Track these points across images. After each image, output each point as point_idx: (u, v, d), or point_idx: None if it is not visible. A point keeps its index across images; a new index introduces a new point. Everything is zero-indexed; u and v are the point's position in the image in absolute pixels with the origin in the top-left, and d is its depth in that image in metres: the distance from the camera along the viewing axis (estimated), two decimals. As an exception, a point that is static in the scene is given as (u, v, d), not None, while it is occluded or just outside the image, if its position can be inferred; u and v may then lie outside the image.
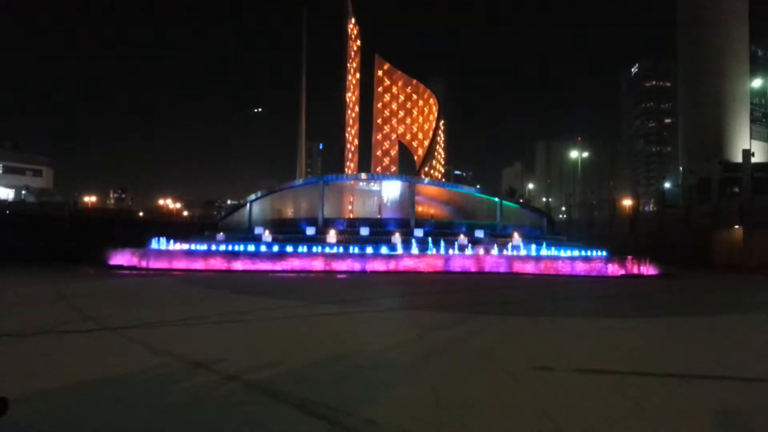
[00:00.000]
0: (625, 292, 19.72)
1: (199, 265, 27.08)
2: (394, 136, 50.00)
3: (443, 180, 54.45)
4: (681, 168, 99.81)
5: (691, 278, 28.41)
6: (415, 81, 51.17)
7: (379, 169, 47.89)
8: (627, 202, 70.86)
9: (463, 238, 31.56)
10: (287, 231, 34.30)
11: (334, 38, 45.91)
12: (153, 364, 6.81)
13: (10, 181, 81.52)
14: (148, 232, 33.24)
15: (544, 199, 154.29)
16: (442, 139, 55.04)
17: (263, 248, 29.40)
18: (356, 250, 29.09)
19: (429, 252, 29.46)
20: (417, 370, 6.79)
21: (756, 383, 6.57)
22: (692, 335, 10.32)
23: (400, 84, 50.39)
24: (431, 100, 51.12)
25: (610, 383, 6.33)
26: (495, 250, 29.90)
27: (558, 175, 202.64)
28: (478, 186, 66.98)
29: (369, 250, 29.11)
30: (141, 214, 69.91)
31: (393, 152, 49.93)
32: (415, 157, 50.65)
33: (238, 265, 27.15)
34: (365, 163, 49.26)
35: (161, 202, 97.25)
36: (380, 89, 49.43)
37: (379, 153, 49.20)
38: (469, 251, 30.17)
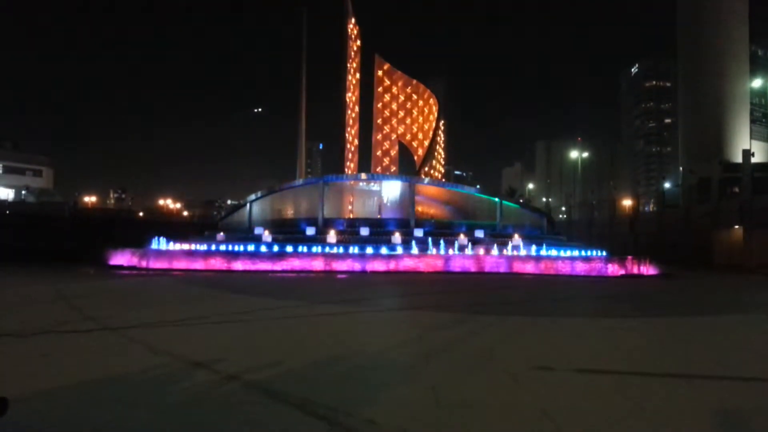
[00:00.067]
0: (625, 292, 19.71)
1: (199, 265, 27.08)
2: (394, 136, 50.01)
3: (443, 180, 54.46)
4: (681, 168, 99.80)
5: (691, 278, 28.41)
6: (415, 81, 51.17)
7: (379, 169, 47.90)
8: (627, 202, 70.86)
9: (463, 238, 31.57)
10: (287, 231, 34.30)
11: (334, 38, 45.94)
12: (153, 364, 6.81)
13: (10, 181, 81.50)
14: (148, 232, 33.24)
15: (544, 199, 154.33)
16: (442, 139, 55.05)
17: (263, 248, 29.40)
18: (356, 250, 29.09)
19: (429, 252, 29.46)
20: (417, 371, 6.79)
21: (756, 383, 6.57)
22: (692, 335, 10.32)
23: (400, 84, 50.39)
24: (431, 100, 51.12)
25: (610, 383, 6.33)
26: (495, 250, 29.90)
27: (558, 175, 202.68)
28: (478, 186, 67.01)
29: (369, 250, 29.11)
30: (141, 214, 69.87)
31: (393, 152, 49.93)
32: (415, 157, 50.66)
33: (238, 265, 27.15)
34: (365, 163, 49.31)
35: (161, 202, 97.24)
36: (380, 89, 49.44)
37: (379, 153, 49.20)
38: (469, 251, 30.17)
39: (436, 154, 51.11)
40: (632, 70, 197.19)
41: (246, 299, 15.36)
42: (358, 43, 47.56)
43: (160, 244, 30.89)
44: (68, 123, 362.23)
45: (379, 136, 49.46)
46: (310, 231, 33.51)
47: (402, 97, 50.47)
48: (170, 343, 8.18)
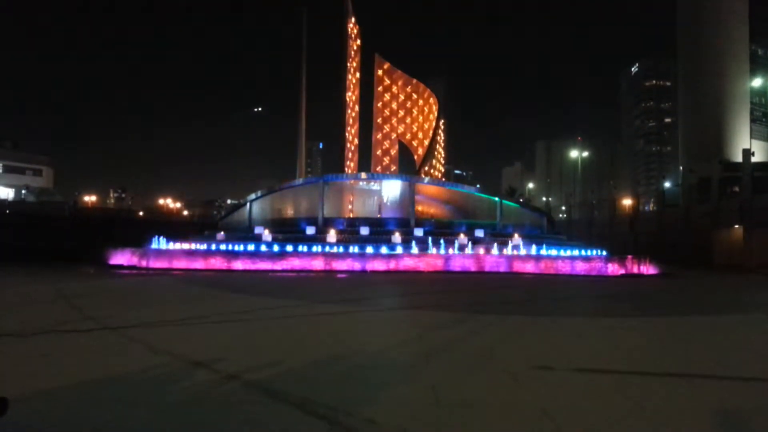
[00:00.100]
0: (625, 292, 19.71)
1: (199, 264, 27.09)
2: (394, 136, 50.00)
3: (443, 179, 54.44)
4: (681, 167, 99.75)
5: (691, 278, 28.41)
6: (415, 80, 51.15)
7: (379, 168, 47.88)
8: (627, 202, 70.86)
9: (463, 238, 31.56)
10: (287, 230, 34.30)
11: (334, 38, 45.91)
12: (153, 364, 6.81)
13: (10, 180, 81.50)
14: (148, 232, 33.24)
15: (544, 199, 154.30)
16: (442, 138, 55.04)
17: (263, 248, 29.39)
18: (356, 250, 29.09)
19: (429, 251, 29.46)
20: (417, 370, 6.79)
21: (756, 383, 6.57)
22: (692, 335, 10.32)
23: (400, 83, 50.37)
24: (431, 100, 51.10)
25: (610, 383, 6.33)
26: (495, 250, 29.90)
27: (558, 175, 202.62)
28: (478, 185, 67.01)
29: (369, 249, 29.11)
30: (141, 213, 69.87)
31: (393, 151, 49.92)
32: (415, 157, 50.65)
33: (238, 265, 27.15)
34: (365, 162, 49.29)
35: (161, 201, 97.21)
36: (380, 88, 49.42)
37: (379, 152, 49.19)
38: (469, 251, 30.17)
39: (436, 153, 51.10)
40: (632, 69, 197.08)
41: (246, 299, 15.37)
42: (358, 42, 47.54)
43: (160, 243, 30.89)
44: (68, 123, 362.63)
45: (379, 136, 49.45)
46: (310, 230, 33.51)
47: (402, 97, 50.46)
48: (170, 343, 8.18)
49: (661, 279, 26.84)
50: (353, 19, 46.25)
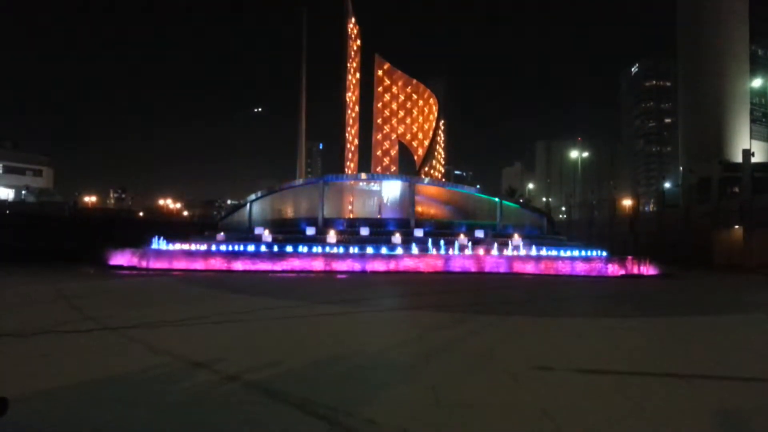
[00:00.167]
0: (625, 292, 19.72)
1: (199, 265, 27.09)
2: (394, 136, 49.99)
3: (443, 180, 54.46)
4: (681, 168, 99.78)
5: (691, 278, 28.41)
6: (415, 81, 51.15)
7: (379, 169, 47.88)
8: (627, 202, 70.85)
9: (463, 238, 31.56)
10: (287, 231, 34.30)
11: (334, 38, 45.90)
12: (153, 364, 6.81)
13: (10, 180, 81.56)
14: (148, 232, 33.23)
15: (544, 199, 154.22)
16: (442, 138, 55.03)
17: (263, 248, 29.39)
18: (356, 250, 29.09)
19: (429, 252, 29.46)
20: (417, 370, 6.79)
21: (756, 383, 6.57)
22: (692, 335, 10.32)
23: (400, 84, 50.37)
24: (431, 100, 51.11)
25: (611, 383, 6.33)
26: (495, 250, 29.90)
27: (558, 175, 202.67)
28: (478, 186, 67.05)
29: (369, 250, 29.11)
30: (141, 214, 69.93)
31: (393, 152, 49.91)
32: (415, 157, 50.65)
33: (238, 265, 27.15)
34: (365, 163, 49.29)
35: (161, 202, 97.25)
36: (380, 89, 49.42)
37: (379, 153, 49.18)
38: (469, 251, 30.17)
39: (436, 153, 51.10)
40: (632, 69, 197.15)
41: (246, 299, 15.37)
42: (358, 42, 47.54)
43: (160, 244, 30.88)
44: (68, 123, 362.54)
45: (379, 136, 49.45)
46: (310, 231, 33.52)
47: (402, 97, 50.45)
48: (170, 343, 8.18)
49: (661, 279, 26.84)
50: (353, 20, 46.25)
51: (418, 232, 33.12)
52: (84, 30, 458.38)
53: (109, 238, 36.12)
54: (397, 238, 31.17)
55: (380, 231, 33.73)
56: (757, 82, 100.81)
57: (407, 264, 28.13)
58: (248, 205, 40.11)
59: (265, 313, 12.28)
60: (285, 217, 39.64)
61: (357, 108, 47.16)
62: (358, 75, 47.31)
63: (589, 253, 31.15)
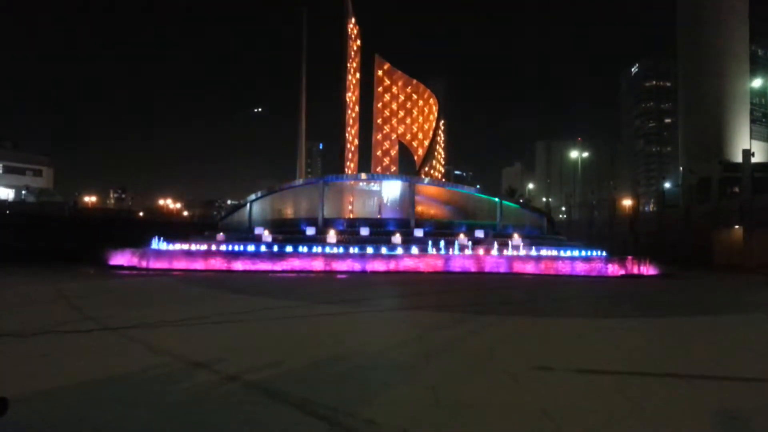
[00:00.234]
0: (625, 292, 19.72)
1: (199, 265, 27.08)
2: (394, 136, 49.99)
3: (443, 180, 54.45)
4: (681, 168, 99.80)
5: (691, 278, 28.41)
6: (415, 81, 51.14)
7: (379, 169, 47.88)
8: (627, 202, 70.87)
9: (463, 238, 31.56)
10: (287, 231, 34.30)
11: (334, 38, 45.88)
12: (153, 364, 6.81)
13: (10, 180, 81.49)
14: (148, 232, 33.22)
15: (544, 199, 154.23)
16: (442, 138, 55.01)
17: (263, 248, 29.39)
18: (356, 250, 29.09)
19: (429, 252, 29.46)
20: (417, 371, 6.79)
21: (756, 383, 6.57)
22: (692, 335, 10.32)
23: (400, 84, 50.37)
24: (431, 100, 51.10)
25: (610, 383, 6.33)
26: (495, 250, 29.90)
27: (558, 175, 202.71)
28: (478, 186, 67.04)
29: (369, 250, 29.11)
30: (141, 214, 69.92)
31: (393, 152, 49.91)
32: (415, 157, 50.65)
33: (238, 265, 27.15)
34: (365, 163, 49.28)
35: (161, 202, 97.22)
36: (380, 89, 49.41)
37: (379, 153, 49.18)
38: (469, 251, 30.17)
39: (436, 153, 51.09)
40: (632, 69, 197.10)
41: (246, 299, 15.37)
42: (358, 42, 47.53)
43: (160, 244, 30.87)
44: (68, 123, 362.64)
45: (379, 136, 49.44)
46: (310, 231, 33.51)
47: (402, 97, 50.45)
48: (170, 343, 8.18)
49: (661, 279, 26.84)
50: (353, 20, 46.25)
51: (418, 232, 33.12)
52: (84, 30, 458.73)
53: (109, 238, 36.10)
54: (397, 238, 31.17)
55: (380, 231, 33.73)
56: (757, 82, 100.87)
57: (407, 264, 28.12)
58: (248, 205, 40.10)
59: (265, 313, 12.28)
60: (285, 217, 39.63)
61: (357, 108, 47.16)
62: (358, 75, 47.30)
63: (589, 253, 31.16)
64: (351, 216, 40.19)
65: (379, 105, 49.23)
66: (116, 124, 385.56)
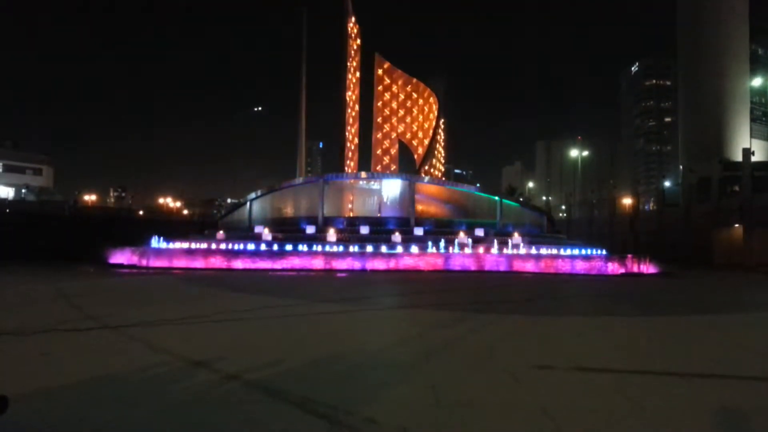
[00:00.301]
0: (625, 291, 19.71)
1: (199, 263, 27.09)
2: (394, 135, 49.99)
3: (443, 179, 54.43)
4: (681, 167, 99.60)
5: (691, 277, 28.41)
6: (415, 80, 51.14)
7: (379, 167, 47.87)
8: (627, 201, 70.83)
9: (463, 237, 31.56)
10: (287, 230, 34.31)
11: (334, 38, 45.90)
12: (153, 363, 6.80)
13: (10, 179, 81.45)
14: (148, 231, 33.23)
15: (544, 198, 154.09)
16: (442, 137, 55.02)
17: (263, 247, 29.39)
18: (356, 249, 29.09)
19: (429, 251, 29.46)
20: (417, 369, 6.79)
21: (756, 383, 6.56)
22: (692, 334, 10.31)
23: (400, 83, 50.36)
24: (431, 99, 51.09)
25: (610, 382, 6.32)
26: (495, 249, 29.91)
27: (558, 174, 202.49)
28: (478, 185, 66.94)
29: (369, 248, 29.11)
30: (141, 212, 69.85)
31: (393, 151, 49.91)
32: (415, 156, 50.66)
33: (238, 264, 27.15)
34: (365, 161, 49.30)
35: (161, 200, 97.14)
36: (380, 88, 49.40)
37: (379, 152, 49.18)
38: (469, 250, 30.17)
39: (436, 152, 51.12)
40: (632, 69, 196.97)
41: (246, 298, 15.37)
42: (358, 42, 47.51)
43: (160, 242, 30.88)
44: (68, 123, 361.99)
45: (379, 135, 49.43)
46: (310, 229, 33.51)
47: (402, 96, 50.44)
48: (170, 342, 8.17)
49: (661, 278, 26.84)
50: (353, 19, 46.22)
51: (418, 231, 33.12)
52: (84, 30, 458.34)
53: (109, 236, 36.06)
54: (397, 236, 31.17)
55: (380, 230, 33.74)
56: (757, 82, 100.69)
57: (407, 263, 28.13)
58: (248, 203, 40.09)
59: (265, 312, 12.27)
60: (285, 216, 39.64)
61: (357, 107, 47.16)
62: (358, 74, 47.29)
63: (589, 251, 31.16)
64: (351, 215, 40.19)
65: (379, 104, 49.21)
66: (116, 123, 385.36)
